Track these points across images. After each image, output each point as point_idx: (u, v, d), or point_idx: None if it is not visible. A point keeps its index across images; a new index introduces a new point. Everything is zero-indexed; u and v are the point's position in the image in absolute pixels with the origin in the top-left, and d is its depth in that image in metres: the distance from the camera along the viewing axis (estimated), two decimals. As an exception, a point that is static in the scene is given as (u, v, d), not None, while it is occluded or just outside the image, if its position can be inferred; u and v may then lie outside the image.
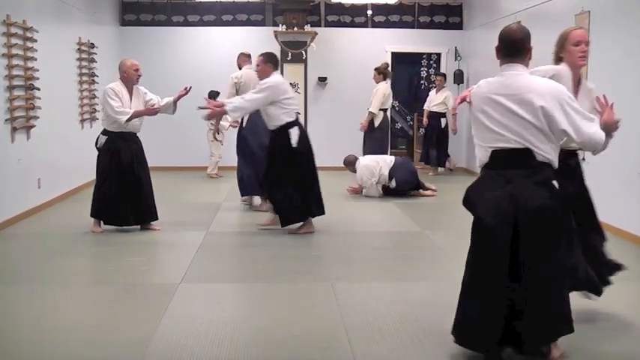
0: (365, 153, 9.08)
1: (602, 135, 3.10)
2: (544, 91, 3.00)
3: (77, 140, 8.27)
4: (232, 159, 7.76)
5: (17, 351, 3.35)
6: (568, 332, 3.13)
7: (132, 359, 3.22)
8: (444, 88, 10.48)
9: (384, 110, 9.21)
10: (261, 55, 6.03)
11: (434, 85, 11.43)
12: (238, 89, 7.05)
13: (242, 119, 7.08)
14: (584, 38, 3.60)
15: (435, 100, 10.43)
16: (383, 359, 3.24)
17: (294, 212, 5.93)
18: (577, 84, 3.59)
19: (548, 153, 3.05)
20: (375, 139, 9.16)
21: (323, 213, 6.04)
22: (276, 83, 5.76)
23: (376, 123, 9.21)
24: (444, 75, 10.62)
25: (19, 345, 3.43)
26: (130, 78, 5.88)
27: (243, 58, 7.65)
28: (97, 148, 5.99)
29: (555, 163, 3.10)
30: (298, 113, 6.00)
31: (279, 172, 5.83)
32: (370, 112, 9.08)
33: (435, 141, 10.38)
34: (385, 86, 9.16)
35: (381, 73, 9.26)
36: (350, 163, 8.51)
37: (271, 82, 5.76)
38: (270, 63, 5.90)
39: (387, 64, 9.48)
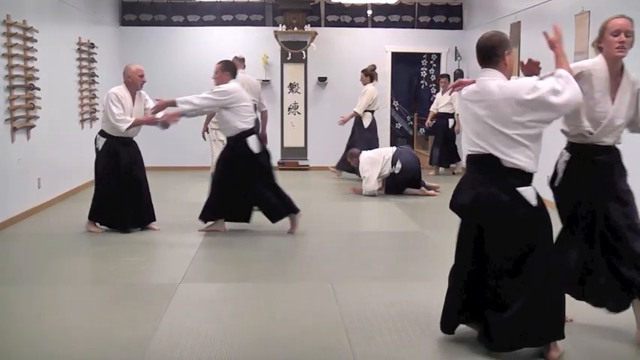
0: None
1: (572, 97, 3.05)
2: (505, 94, 3.04)
3: (77, 140, 8.27)
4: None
5: (17, 351, 3.35)
6: (536, 344, 3.15)
7: (132, 359, 3.22)
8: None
9: (372, 112, 9.33)
10: (219, 62, 6.09)
11: (433, 85, 11.45)
12: None
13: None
14: (625, 27, 3.28)
15: (442, 102, 10.39)
16: (383, 359, 3.24)
17: (278, 210, 5.99)
18: (617, 76, 3.35)
19: (517, 159, 3.07)
20: (364, 140, 9.31)
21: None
22: (230, 89, 5.79)
23: (365, 124, 9.36)
24: (447, 76, 10.59)
25: (19, 345, 3.43)
26: (134, 83, 5.91)
27: (237, 62, 7.72)
28: (96, 149, 6.00)
29: (530, 168, 3.13)
30: (257, 120, 6.00)
31: (240, 180, 5.85)
32: (354, 112, 9.28)
33: (442, 141, 10.34)
34: (373, 88, 9.33)
35: (368, 75, 9.41)
36: (354, 155, 8.49)
37: (226, 87, 5.80)
38: (227, 71, 5.96)
39: (374, 66, 9.57)
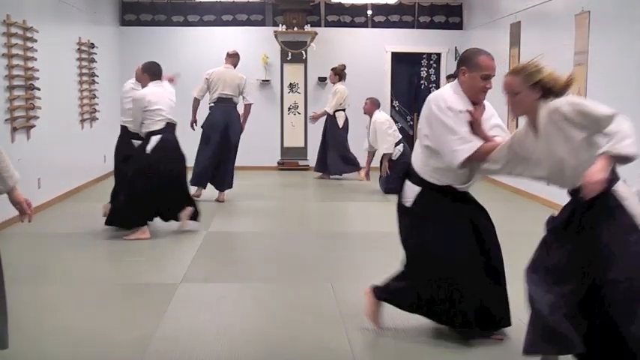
0: (329, 154, 9.49)
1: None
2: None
3: (77, 140, 8.27)
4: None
5: (17, 351, 3.35)
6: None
7: (132, 359, 3.22)
8: None
9: (344, 110, 9.45)
10: (142, 64, 6.14)
11: (433, 85, 11.43)
12: (209, 85, 7.65)
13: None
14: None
15: None
16: (383, 359, 3.24)
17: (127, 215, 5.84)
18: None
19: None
20: (339, 139, 9.50)
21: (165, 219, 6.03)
22: (139, 96, 5.84)
23: (340, 123, 9.50)
24: (454, 76, 10.52)
25: (19, 345, 3.43)
26: (144, 84, 6.03)
27: (226, 56, 7.92)
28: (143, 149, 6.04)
29: (441, 182, 3.29)
30: (170, 123, 5.91)
31: (129, 174, 5.84)
32: (326, 111, 9.48)
33: None
34: (343, 87, 9.52)
35: (337, 74, 9.57)
36: (375, 104, 8.53)
37: (135, 95, 5.91)
38: (146, 73, 5.99)
39: (344, 66, 9.69)
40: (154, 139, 5.83)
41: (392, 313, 3.82)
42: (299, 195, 8.83)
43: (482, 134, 3.17)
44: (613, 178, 2.63)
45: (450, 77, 10.54)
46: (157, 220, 6.23)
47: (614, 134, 2.52)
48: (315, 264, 5.10)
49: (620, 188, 2.66)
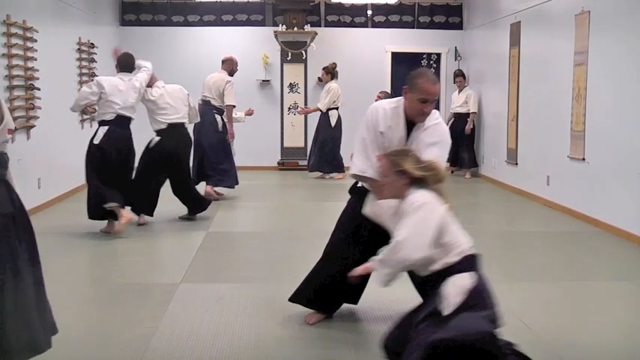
0: (314, 150, 9.52)
1: None
2: None
3: (77, 140, 8.24)
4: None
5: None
6: None
7: (132, 359, 3.22)
8: (466, 87, 10.33)
9: (337, 109, 9.48)
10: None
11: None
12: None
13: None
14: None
15: (457, 102, 10.31)
16: (383, 359, 3.24)
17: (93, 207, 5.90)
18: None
19: None
20: (332, 137, 9.53)
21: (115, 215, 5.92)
22: (100, 80, 5.91)
23: (333, 122, 9.54)
24: (462, 74, 10.44)
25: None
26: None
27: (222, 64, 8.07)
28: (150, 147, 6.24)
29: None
30: (122, 116, 5.90)
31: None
32: (318, 108, 9.49)
33: (466, 143, 10.19)
34: (336, 85, 9.53)
35: (329, 72, 9.59)
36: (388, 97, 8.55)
37: (100, 78, 5.99)
38: (118, 64, 6.12)
39: (335, 64, 9.68)
40: (102, 130, 5.86)
41: (392, 314, 3.82)
42: (299, 195, 8.83)
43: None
44: (452, 269, 2.67)
45: (457, 75, 10.52)
46: (157, 221, 6.23)
47: (393, 245, 2.71)
48: (314, 264, 5.08)
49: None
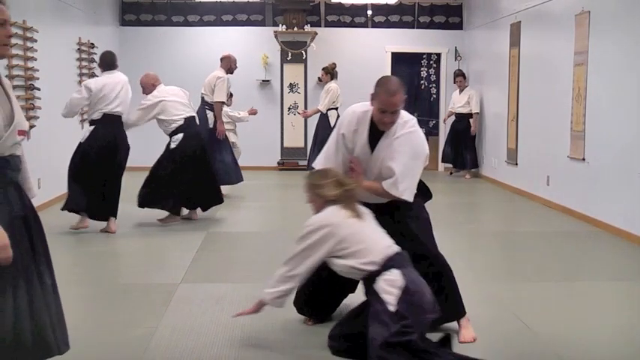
0: (312, 149, 9.42)
1: None
2: None
3: (77, 140, 8.23)
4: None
5: (17, 351, 3.35)
6: None
7: (132, 359, 3.22)
8: (467, 88, 10.35)
9: (336, 109, 9.46)
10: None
11: (433, 85, 11.44)
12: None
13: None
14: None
15: (459, 102, 10.31)
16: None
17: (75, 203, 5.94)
18: None
19: None
20: (328, 138, 9.40)
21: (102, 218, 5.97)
22: (88, 84, 5.89)
23: (332, 122, 9.47)
24: (462, 74, 10.46)
25: (19, 345, 3.42)
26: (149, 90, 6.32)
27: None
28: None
29: None
30: (109, 114, 5.91)
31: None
32: (319, 110, 9.42)
33: (468, 143, 10.20)
34: (336, 86, 9.45)
35: (328, 73, 9.55)
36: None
37: (88, 82, 5.98)
38: (100, 65, 6.09)
39: (335, 65, 9.63)
40: (89, 130, 5.95)
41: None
42: (299, 195, 8.77)
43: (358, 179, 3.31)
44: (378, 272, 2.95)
45: (458, 75, 10.51)
46: (157, 219, 6.23)
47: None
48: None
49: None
